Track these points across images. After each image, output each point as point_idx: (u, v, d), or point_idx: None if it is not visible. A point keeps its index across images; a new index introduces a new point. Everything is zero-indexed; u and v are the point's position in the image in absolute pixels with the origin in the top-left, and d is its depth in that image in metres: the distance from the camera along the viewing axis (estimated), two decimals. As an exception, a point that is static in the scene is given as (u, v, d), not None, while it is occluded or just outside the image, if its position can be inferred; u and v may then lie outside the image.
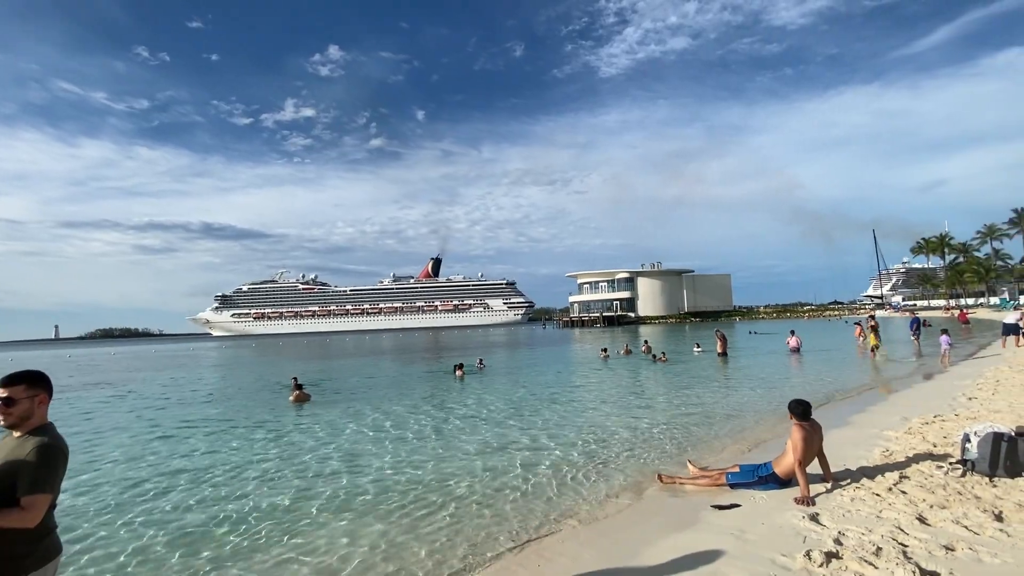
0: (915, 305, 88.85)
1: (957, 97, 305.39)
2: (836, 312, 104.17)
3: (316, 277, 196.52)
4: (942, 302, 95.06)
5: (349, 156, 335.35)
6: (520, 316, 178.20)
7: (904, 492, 4.96)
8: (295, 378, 17.05)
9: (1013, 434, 4.97)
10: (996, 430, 5.03)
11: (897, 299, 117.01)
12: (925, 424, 7.76)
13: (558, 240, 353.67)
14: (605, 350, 24.50)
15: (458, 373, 18.26)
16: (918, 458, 6.00)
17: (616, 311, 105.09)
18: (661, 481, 6.11)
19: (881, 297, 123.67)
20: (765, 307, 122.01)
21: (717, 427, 9.09)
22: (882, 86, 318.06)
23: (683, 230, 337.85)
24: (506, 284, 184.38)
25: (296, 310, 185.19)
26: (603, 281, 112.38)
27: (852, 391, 12.23)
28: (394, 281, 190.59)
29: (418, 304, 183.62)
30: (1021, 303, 61.48)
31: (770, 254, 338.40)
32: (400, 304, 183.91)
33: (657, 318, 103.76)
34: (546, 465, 7.14)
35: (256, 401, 14.80)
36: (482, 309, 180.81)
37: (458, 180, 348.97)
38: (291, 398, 13.89)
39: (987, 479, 4.96)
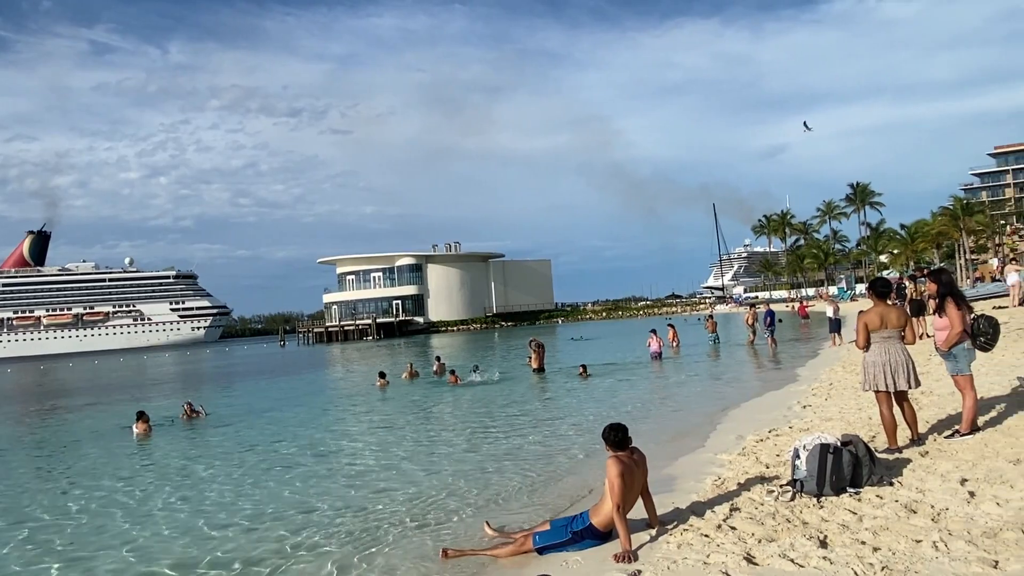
0: (756, 297, 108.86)
1: (798, 46, 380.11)
2: (674, 308, 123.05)
3: None
4: (784, 293, 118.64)
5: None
6: (204, 330, 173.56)
7: (734, 528, 6.17)
8: None
9: (838, 444, 6.80)
10: (823, 441, 6.80)
11: (739, 290, 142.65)
12: (759, 441, 9.90)
13: (306, 205, 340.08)
14: (383, 375, 25.69)
15: (138, 429, 17.16)
16: (750, 484, 7.57)
17: (397, 315, 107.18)
18: (446, 557, 6.80)
19: (723, 288, 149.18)
20: (593, 304, 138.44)
21: (532, 474, 10.27)
22: (722, 22, 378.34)
23: (488, 197, 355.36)
24: (175, 277, 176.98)
25: None
26: (377, 270, 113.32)
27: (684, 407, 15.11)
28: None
29: (1, 316, 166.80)
30: (857, 293, 79.94)
31: (595, 232, 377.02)
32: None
33: (456, 324, 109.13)
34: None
35: None
36: (131, 322, 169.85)
37: (126, 97, 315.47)
38: None
39: (815, 499, 6.63)
